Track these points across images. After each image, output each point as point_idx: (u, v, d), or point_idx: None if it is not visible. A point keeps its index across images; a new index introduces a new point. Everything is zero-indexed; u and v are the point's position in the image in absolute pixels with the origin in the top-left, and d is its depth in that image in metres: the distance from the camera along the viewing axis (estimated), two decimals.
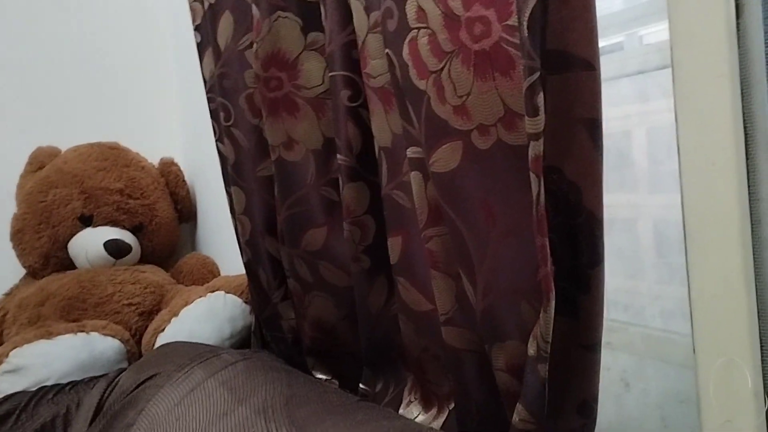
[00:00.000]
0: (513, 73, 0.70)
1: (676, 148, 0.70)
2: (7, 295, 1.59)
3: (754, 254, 0.64)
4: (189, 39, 1.36)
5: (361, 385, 1.12)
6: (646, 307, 1.05)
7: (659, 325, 1.03)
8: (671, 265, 1.01)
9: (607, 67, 0.68)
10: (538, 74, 0.63)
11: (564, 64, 0.65)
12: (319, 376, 1.21)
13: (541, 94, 0.64)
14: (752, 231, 0.64)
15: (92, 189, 1.57)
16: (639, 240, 1.07)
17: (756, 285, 0.64)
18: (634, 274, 1.07)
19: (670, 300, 1.02)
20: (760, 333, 0.64)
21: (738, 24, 0.62)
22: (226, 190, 1.35)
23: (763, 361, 0.65)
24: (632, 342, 1.03)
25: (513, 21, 0.68)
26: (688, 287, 0.68)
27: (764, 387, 0.65)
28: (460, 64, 0.74)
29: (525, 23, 0.63)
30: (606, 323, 0.72)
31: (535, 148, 0.65)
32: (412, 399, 1.03)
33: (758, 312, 0.64)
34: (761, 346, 0.64)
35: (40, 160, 1.63)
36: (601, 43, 0.66)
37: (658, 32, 0.97)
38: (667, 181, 0.99)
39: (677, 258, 0.98)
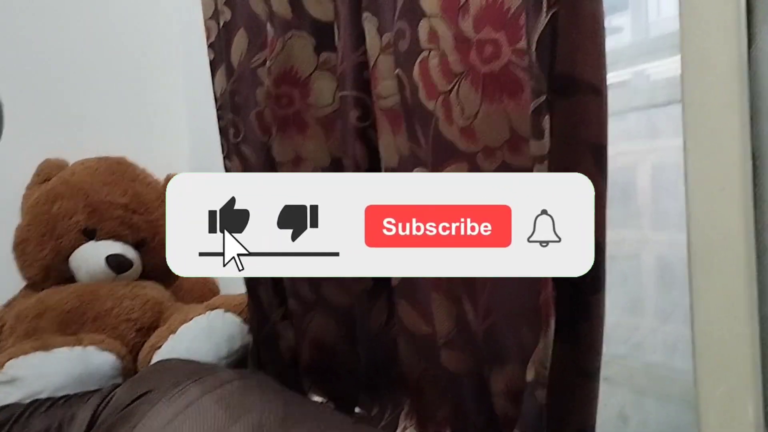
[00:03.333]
0: (521, 97, 0.71)
1: (678, 187, 0.70)
2: (6, 306, 1.58)
3: (758, 282, 0.63)
4: (198, 56, 1.37)
5: (357, 409, 1.10)
6: (645, 341, 1.04)
7: (659, 360, 1.02)
8: (673, 302, 1.01)
9: (613, 102, 0.68)
10: (544, 97, 0.64)
11: (571, 89, 0.66)
12: (315, 398, 1.20)
13: (548, 117, 0.64)
14: (757, 259, 0.63)
15: (97, 202, 1.57)
16: (641, 275, 1.06)
17: (759, 313, 0.63)
18: (635, 310, 1.07)
19: (670, 336, 1.01)
20: (762, 363, 0.63)
21: (749, 53, 0.63)
22: None
23: (764, 392, 0.64)
24: (631, 377, 1.02)
25: (522, 44, 0.69)
26: (691, 314, 0.67)
27: (764, 418, 0.64)
28: (469, 85, 0.74)
29: (534, 46, 0.64)
30: (604, 358, 0.71)
31: (540, 171, 0.65)
32: (408, 425, 1.02)
33: (761, 341, 0.63)
34: (763, 376, 0.63)
35: (47, 172, 1.62)
36: (609, 79, 0.66)
37: (666, 70, 0.98)
38: (671, 219, 0.99)
39: (679, 295, 0.97)
